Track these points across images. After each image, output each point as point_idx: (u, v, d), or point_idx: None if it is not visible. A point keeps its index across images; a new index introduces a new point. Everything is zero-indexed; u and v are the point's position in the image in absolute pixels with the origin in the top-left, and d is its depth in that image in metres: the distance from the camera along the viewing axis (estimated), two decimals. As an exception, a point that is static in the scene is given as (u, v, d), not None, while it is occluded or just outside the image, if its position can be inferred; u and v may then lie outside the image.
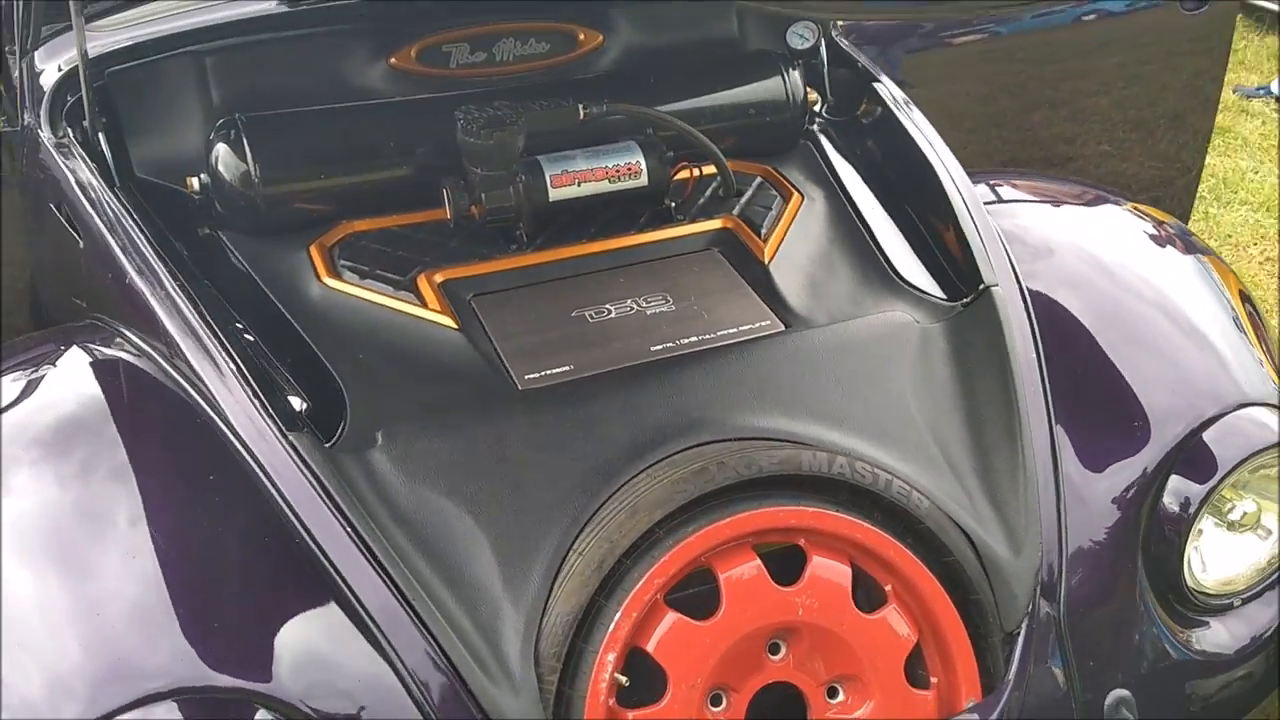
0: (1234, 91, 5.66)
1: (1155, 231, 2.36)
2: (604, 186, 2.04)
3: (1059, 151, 3.84)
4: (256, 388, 1.63)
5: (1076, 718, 1.76)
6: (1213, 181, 4.55)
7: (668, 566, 1.60)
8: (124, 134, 2.06)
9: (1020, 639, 1.72)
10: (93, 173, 1.96)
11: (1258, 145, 5.07)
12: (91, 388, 1.78)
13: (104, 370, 1.80)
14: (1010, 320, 1.92)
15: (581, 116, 2.01)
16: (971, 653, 1.70)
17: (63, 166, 2.02)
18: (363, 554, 1.55)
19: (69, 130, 2.07)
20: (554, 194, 2.01)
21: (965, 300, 1.98)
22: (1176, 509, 1.87)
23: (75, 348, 1.85)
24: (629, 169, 2.05)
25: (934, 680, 1.70)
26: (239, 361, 1.65)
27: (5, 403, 1.74)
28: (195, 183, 1.99)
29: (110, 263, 1.85)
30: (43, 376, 1.81)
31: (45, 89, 2.12)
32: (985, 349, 1.91)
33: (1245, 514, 1.92)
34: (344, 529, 1.56)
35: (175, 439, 1.71)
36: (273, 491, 1.58)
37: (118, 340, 1.83)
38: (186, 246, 1.94)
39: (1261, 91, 5.71)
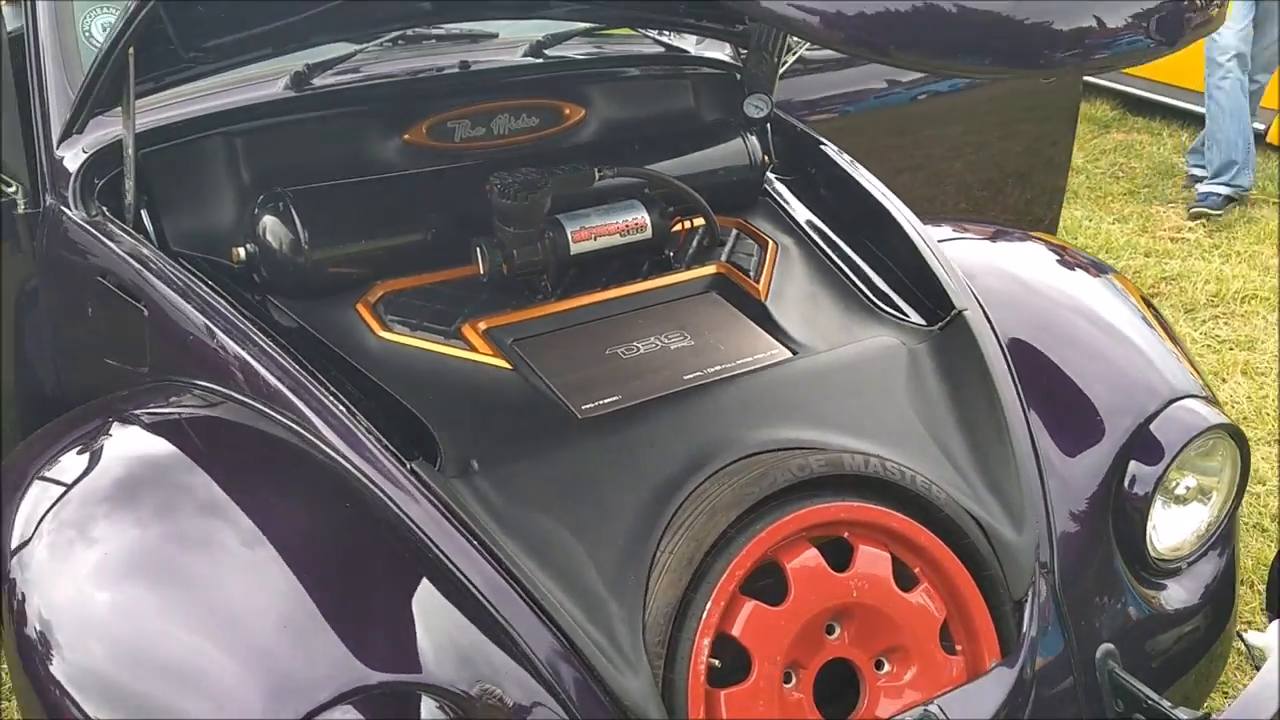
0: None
1: (1062, 256, 2.69)
2: (616, 240, 2.26)
3: (922, 210, 4.20)
4: (369, 424, 1.78)
5: (1075, 670, 2.02)
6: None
7: (745, 560, 1.80)
8: (159, 210, 2.18)
9: (1027, 606, 1.97)
10: (144, 245, 2.08)
11: (1086, 198, 5.57)
12: (194, 434, 1.89)
13: (203, 419, 1.92)
14: (984, 338, 2.20)
15: (597, 179, 2.22)
16: (990, 621, 1.93)
17: (107, 242, 2.13)
18: (487, 561, 1.71)
19: (103, 209, 2.18)
20: (575, 248, 2.21)
21: (941, 324, 2.25)
22: (1136, 490, 2.14)
23: (164, 402, 1.96)
24: (636, 224, 2.27)
25: (959, 647, 1.93)
26: (346, 403, 1.80)
27: (109, 458, 1.84)
28: (241, 253, 2.13)
29: (186, 326, 1.98)
30: (142, 429, 1.91)
31: (71, 171, 2.23)
32: (966, 363, 2.17)
33: (1188, 489, 2.22)
34: (468, 541, 1.72)
35: (287, 473, 1.83)
36: (399, 512, 1.73)
37: (202, 393, 1.95)
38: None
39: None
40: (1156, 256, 4.93)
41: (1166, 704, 1.98)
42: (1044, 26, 1.36)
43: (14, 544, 1.71)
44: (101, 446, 1.87)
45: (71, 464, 1.85)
